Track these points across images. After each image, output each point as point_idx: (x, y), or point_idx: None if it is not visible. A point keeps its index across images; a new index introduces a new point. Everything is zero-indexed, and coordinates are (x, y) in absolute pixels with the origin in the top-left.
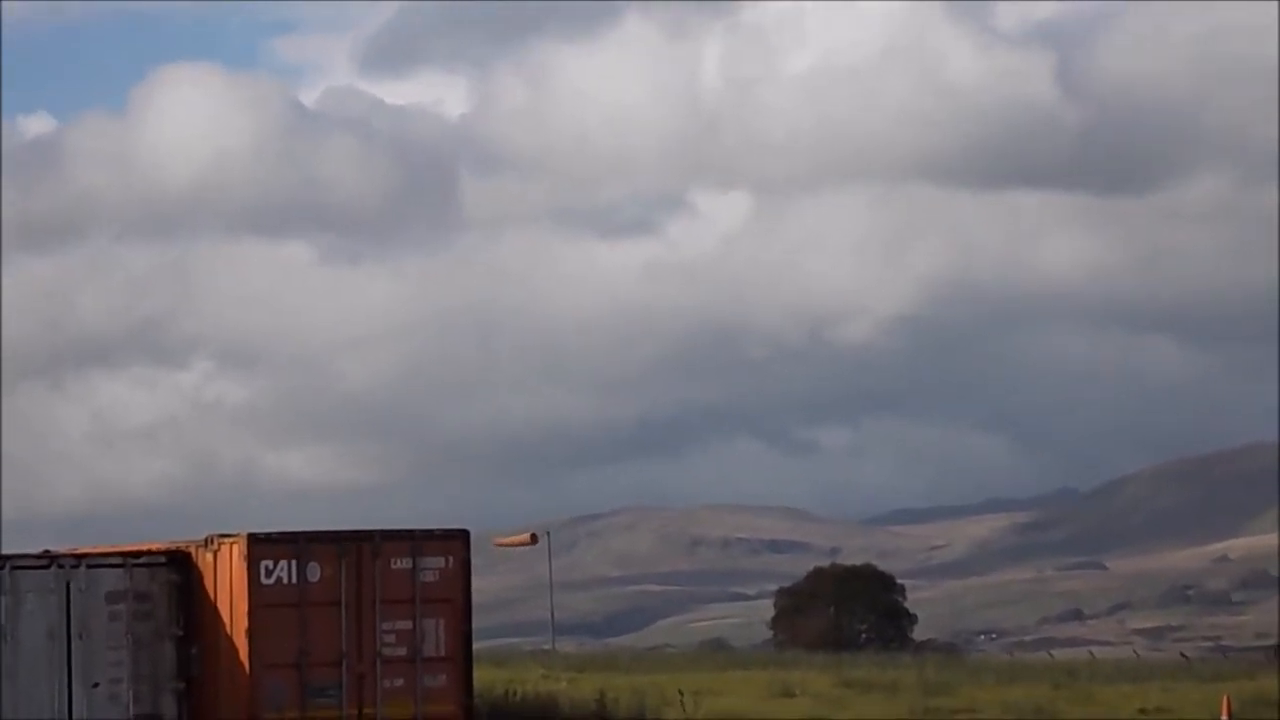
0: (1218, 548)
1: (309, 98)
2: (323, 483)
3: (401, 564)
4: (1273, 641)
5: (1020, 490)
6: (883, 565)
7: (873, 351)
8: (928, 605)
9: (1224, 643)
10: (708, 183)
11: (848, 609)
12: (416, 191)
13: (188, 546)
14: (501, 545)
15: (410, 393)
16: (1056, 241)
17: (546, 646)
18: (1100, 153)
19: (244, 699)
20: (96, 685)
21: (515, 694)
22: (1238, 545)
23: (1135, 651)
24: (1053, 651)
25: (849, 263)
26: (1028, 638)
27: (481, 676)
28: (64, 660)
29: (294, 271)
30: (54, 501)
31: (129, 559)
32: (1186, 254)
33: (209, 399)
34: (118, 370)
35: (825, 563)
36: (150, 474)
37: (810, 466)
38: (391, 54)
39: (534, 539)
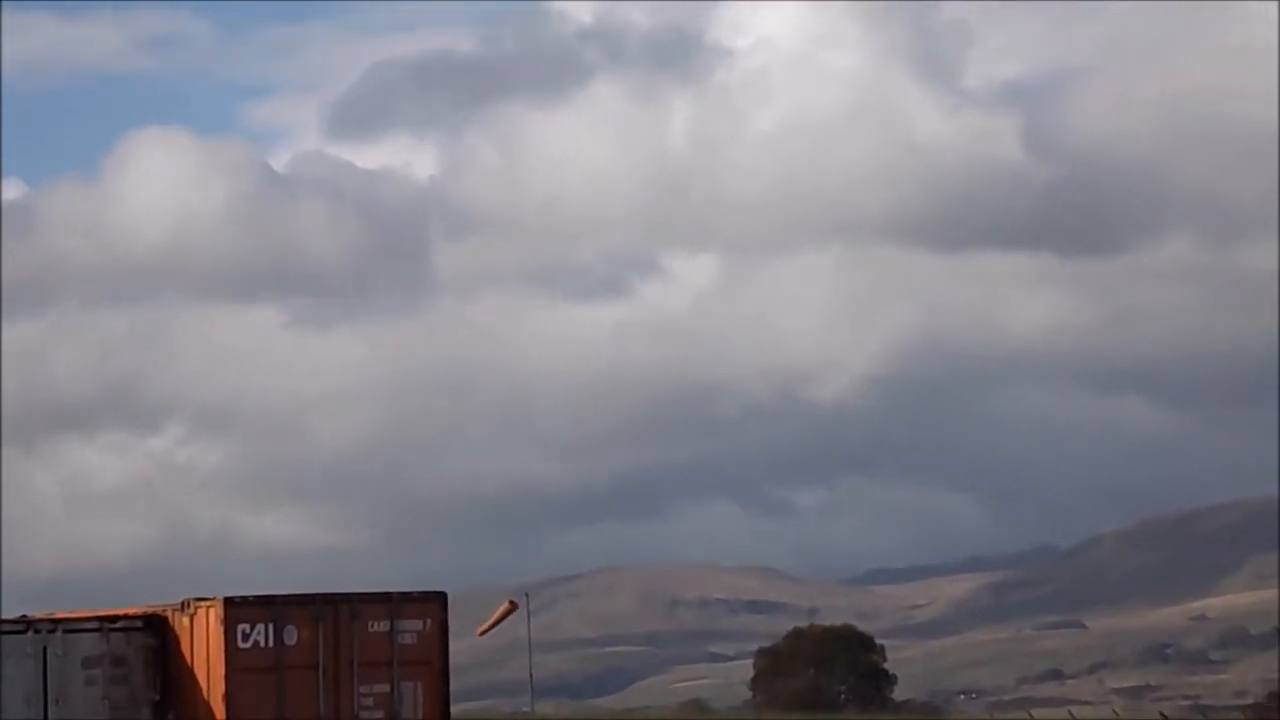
0: (1195, 606)
1: (279, 162)
2: (297, 545)
3: (379, 627)
4: (1251, 700)
5: (996, 548)
6: (862, 625)
7: (845, 410)
8: (907, 665)
9: (1203, 701)
10: (677, 243)
11: (827, 669)
12: (387, 254)
13: (164, 610)
14: (485, 632)
15: (384, 454)
16: (1024, 301)
17: (526, 709)
18: (1067, 213)
19: None
20: None
21: None
22: (1215, 604)
23: (1115, 711)
24: (1032, 711)
25: (819, 322)
26: (1007, 697)
27: None
28: None
29: (265, 335)
30: (26, 566)
31: (105, 624)
32: (1154, 314)
33: (181, 462)
34: (90, 434)
35: (804, 623)
36: (123, 538)
37: (784, 526)
38: (359, 117)
39: (513, 606)
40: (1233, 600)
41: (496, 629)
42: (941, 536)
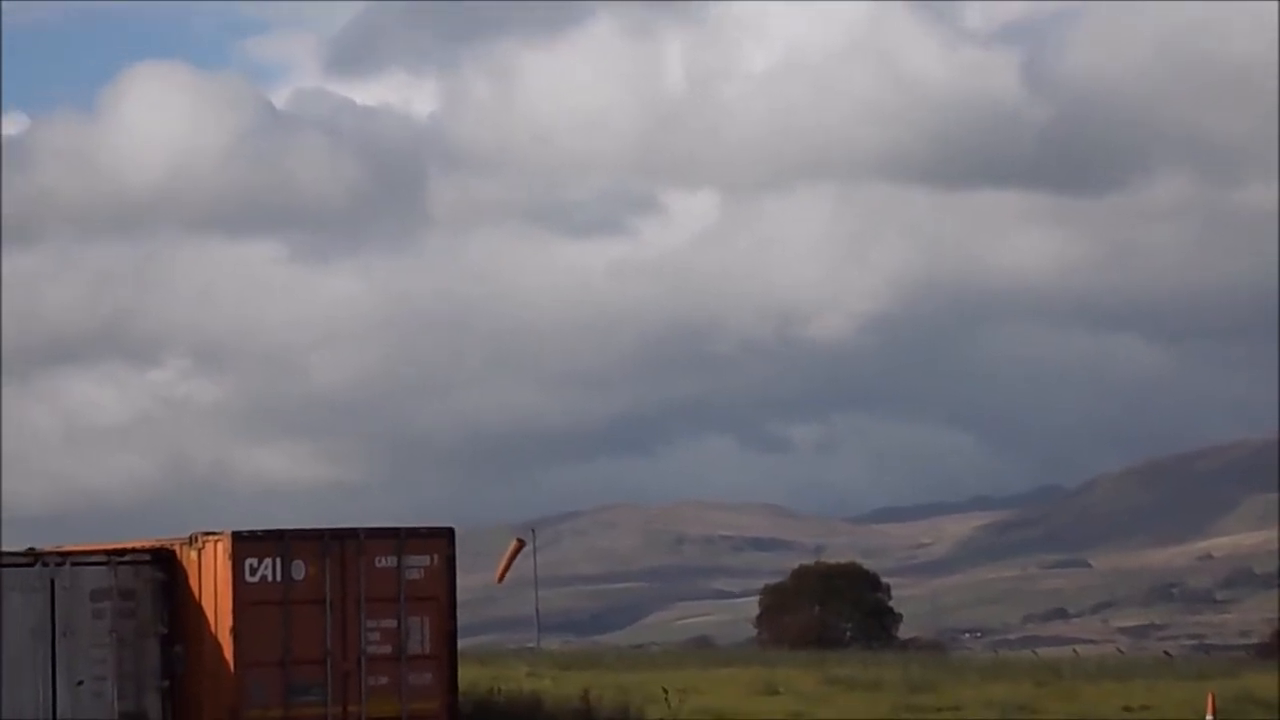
0: (1201, 546)
1: (279, 98)
2: (296, 480)
3: (386, 562)
4: (1256, 639)
5: (997, 487)
6: (867, 563)
7: (842, 348)
8: (912, 603)
9: (1208, 641)
10: (674, 181)
11: (832, 607)
12: (386, 190)
13: (172, 544)
14: (502, 575)
15: (382, 390)
16: (1022, 239)
17: (531, 644)
18: (1064, 151)
19: (228, 697)
20: (81, 683)
21: (500, 692)
22: (1221, 543)
23: (1119, 649)
24: (1037, 650)
25: (816, 260)
26: (1012, 636)
27: (466, 674)
28: (48, 658)
29: (264, 269)
30: (24, 500)
31: (113, 557)
32: (1151, 251)
33: (180, 396)
34: (87, 369)
35: (809, 560)
36: (122, 472)
37: (783, 463)
38: (356, 55)
39: (521, 544)
40: (1238, 540)
41: (511, 569)
42: (941, 475)
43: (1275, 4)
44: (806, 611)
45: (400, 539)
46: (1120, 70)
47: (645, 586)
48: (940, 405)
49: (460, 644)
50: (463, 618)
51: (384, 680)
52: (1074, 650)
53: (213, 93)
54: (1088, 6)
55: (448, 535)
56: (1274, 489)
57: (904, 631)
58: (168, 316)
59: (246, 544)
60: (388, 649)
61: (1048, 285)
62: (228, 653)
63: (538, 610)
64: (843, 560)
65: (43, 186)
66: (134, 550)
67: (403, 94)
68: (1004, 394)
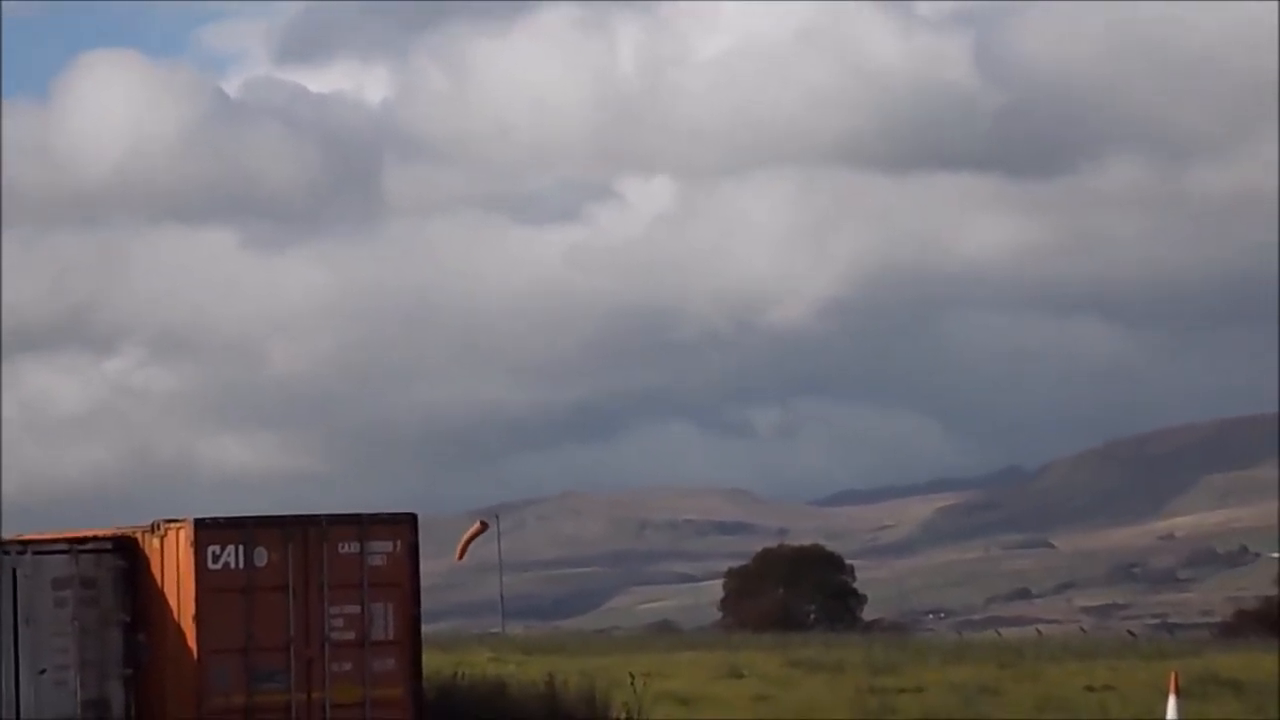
0: (1162, 525)
1: (231, 86)
2: (257, 470)
3: (349, 548)
4: (1218, 618)
5: (958, 471)
6: (831, 546)
7: (801, 335)
8: (876, 586)
9: (1170, 620)
10: (631, 169)
11: (797, 590)
12: (341, 178)
13: (134, 532)
14: (462, 554)
15: (340, 378)
16: (979, 224)
17: (495, 630)
18: (1018, 136)
19: (191, 684)
20: (43, 672)
21: (464, 677)
22: (1182, 523)
23: (1082, 629)
24: (1000, 630)
25: (774, 246)
26: (975, 617)
27: (430, 660)
28: (10, 647)
29: (220, 257)
30: None
31: (75, 545)
32: (1106, 236)
33: (139, 386)
34: (47, 358)
35: (773, 543)
36: (83, 462)
37: (745, 448)
38: (308, 43)
39: (484, 526)
40: (1200, 519)
41: (469, 549)
42: (902, 459)
43: None
44: (770, 594)
45: (363, 525)
46: (1072, 55)
47: (608, 572)
48: (900, 389)
49: (424, 630)
50: (426, 603)
51: (347, 666)
52: (1037, 630)
53: (165, 82)
54: None
55: (410, 521)
56: (1228, 468)
57: (868, 613)
58: (126, 306)
59: (209, 531)
60: (351, 635)
61: (1005, 270)
62: (191, 640)
63: (501, 595)
64: (806, 543)
65: None
66: (96, 538)
67: (356, 80)
68: (963, 378)
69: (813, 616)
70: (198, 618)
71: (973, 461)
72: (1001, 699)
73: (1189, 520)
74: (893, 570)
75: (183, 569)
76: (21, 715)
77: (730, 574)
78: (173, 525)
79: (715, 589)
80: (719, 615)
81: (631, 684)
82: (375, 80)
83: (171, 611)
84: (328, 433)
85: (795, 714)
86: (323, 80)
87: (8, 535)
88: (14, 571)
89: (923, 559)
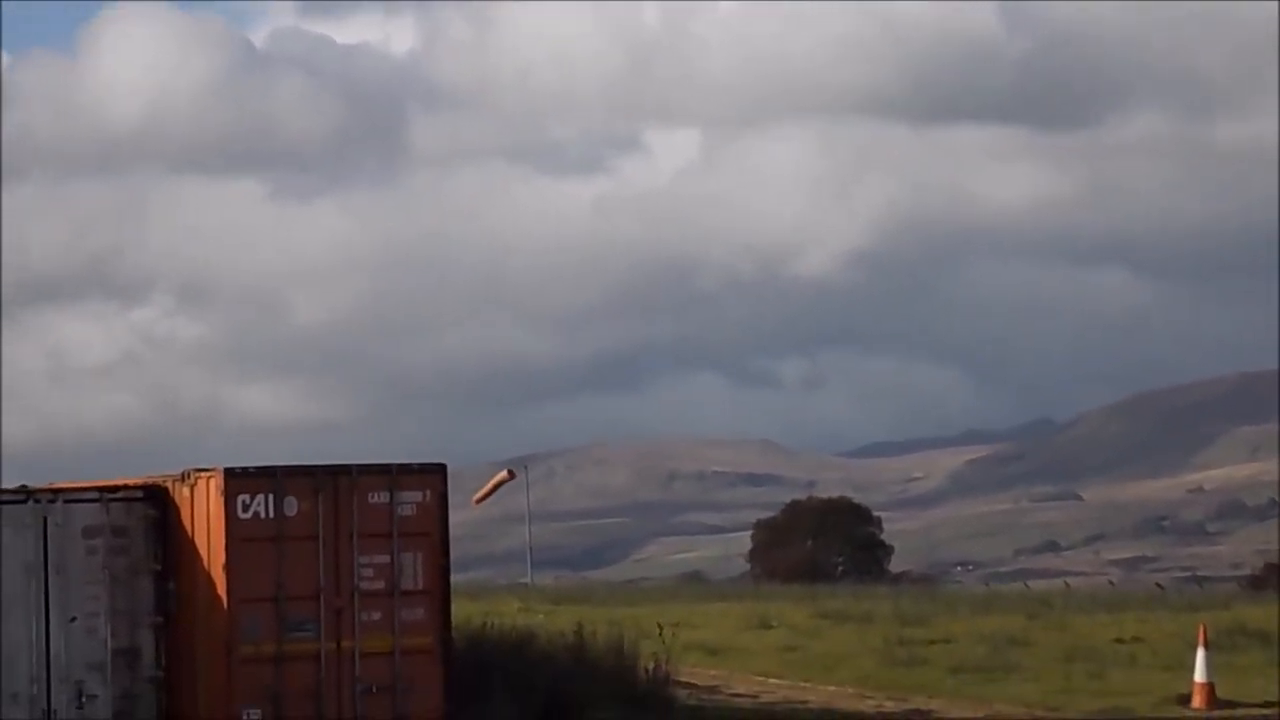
0: (1192, 478)
1: (258, 37)
2: (281, 418)
3: (379, 498)
4: (1248, 571)
5: (985, 422)
6: (859, 498)
7: (825, 286)
8: (904, 537)
9: (1199, 573)
10: (655, 120)
11: (825, 541)
12: (366, 129)
13: (164, 481)
14: (482, 500)
15: (365, 328)
16: (1003, 175)
17: (523, 580)
18: (1040, 87)
19: (221, 633)
20: (74, 620)
21: (493, 627)
22: (1212, 475)
23: (1110, 581)
24: (1028, 582)
25: (798, 197)
26: (1003, 569)
27: (459, 610)
28: (41, 595)
29: (245, 208)
30: (11, 439)
31: (105, 494)
32: (1130, 187)
33: (164, 335)
34: (72, 308)
35: (801, 495)
36: (108, 410)
37: (772, 399)
38: None
39: (511, 474)
40: (1230, 472)
41: (492, 498)
42: (929, 410)
43: None
44: (799, 546)
45: (393, 475)
46: (1096, 6)
47: (636, 522)
48: (925, 340)
49: (452, 580)
50: (454, 554)
51: (377, 616)
52: (1065, 583)
53: (191, 32)
54: None
55: (441, 471)
56: (1257, 421)
57: (896, 565)
58: (151, 255)
59: (239, 480)
60: (380, 585)
61: (1029, 220)
62: (221, 589)
63: (530, 547)
64: (834, 495)
65: (23, 124)
66: (126, 487)
67: (381, 31)
68: (989, 329)
69: (841, 568)
70: (228, 567)
71: (1000, 413)
72: (1030, 649)
73: (1218, 473)
74: (921, 522)
75: (213, 518)
76: (52, 662)
77: (759, 525)
78: (203, 474)
79: (743, 540)
80: (747, 566)
81: (660, 634)
82: (401, 31)
83: (202, 560)
84: (352, 382)
85: (824, 664)
86: (348, 31)
87: (38, 484)
88: (45, 520)
89: (951, 511)
